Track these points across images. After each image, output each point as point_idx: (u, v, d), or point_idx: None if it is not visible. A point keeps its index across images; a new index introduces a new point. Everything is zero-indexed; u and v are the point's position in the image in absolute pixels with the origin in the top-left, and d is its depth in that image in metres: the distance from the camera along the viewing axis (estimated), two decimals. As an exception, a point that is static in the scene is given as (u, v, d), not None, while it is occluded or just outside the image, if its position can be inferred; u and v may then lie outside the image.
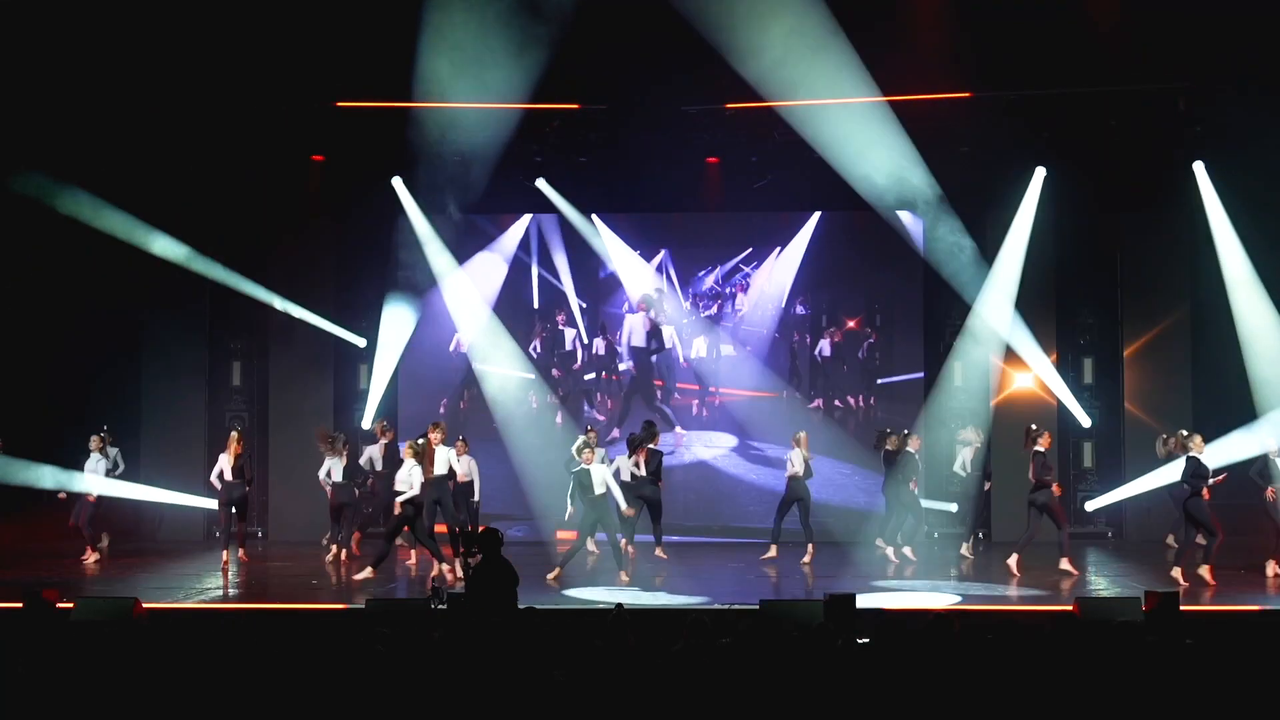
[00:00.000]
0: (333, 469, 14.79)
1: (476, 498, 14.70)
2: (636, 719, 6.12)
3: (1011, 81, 14.75)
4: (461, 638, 7.26)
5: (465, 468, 14.44)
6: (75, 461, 15.61)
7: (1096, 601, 10.76)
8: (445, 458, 13.51)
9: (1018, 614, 10.82)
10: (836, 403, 16.98)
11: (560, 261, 17.14)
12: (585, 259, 17.09)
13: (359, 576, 12.84)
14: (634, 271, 17.08)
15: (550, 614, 8.14)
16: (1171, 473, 13.45)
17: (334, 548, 14.72)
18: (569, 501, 13.94)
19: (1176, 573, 12.44)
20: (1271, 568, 12.93)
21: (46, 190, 15.11)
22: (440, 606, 9.02)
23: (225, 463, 14.22)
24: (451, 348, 17.14)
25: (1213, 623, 9.90)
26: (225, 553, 14.11)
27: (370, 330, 16.98)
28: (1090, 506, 16.44)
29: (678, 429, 16.74)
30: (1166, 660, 6.67)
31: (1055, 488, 13.43)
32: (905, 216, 16.36)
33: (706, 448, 16.85)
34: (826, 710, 6.17)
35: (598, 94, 15.25)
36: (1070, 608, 10.10)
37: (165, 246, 15.92)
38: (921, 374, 16.78)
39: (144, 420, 16.72)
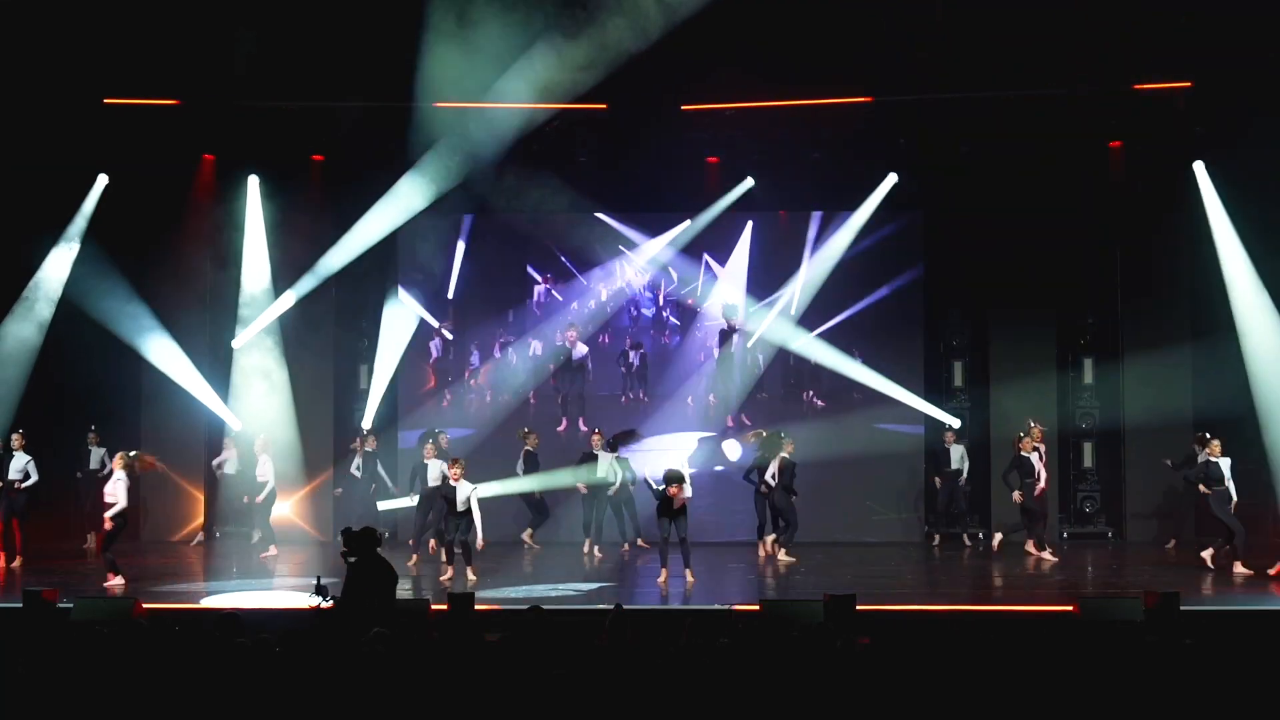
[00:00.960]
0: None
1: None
2: (637, 719, 6.12)
3: (1010, 82, 14.74)
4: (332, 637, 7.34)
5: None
6: (73, 461, 15.67)
7: (1096, 601, 10.74)
8: (439, 470, 13.69)
9: (1018, 614, 10.81)
10: (819, 401, 16.90)
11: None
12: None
13: (108, 584, 12.25)
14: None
15: (551, 614, 8.13)
16: None
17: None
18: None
19: None
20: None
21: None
22: (325, 605, 8.80)
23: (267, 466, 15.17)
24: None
25: (1213, 623, 9.90)
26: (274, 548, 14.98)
27: (371, 330, 16.97)
28: None
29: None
30: (1166, 660, 6.68)
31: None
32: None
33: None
34: (827, 710, 6.18)
35: (598, 94, 15.24)
36: (1070, 608, 10.10)
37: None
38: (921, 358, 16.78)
39: (144, 420, 16.70)
